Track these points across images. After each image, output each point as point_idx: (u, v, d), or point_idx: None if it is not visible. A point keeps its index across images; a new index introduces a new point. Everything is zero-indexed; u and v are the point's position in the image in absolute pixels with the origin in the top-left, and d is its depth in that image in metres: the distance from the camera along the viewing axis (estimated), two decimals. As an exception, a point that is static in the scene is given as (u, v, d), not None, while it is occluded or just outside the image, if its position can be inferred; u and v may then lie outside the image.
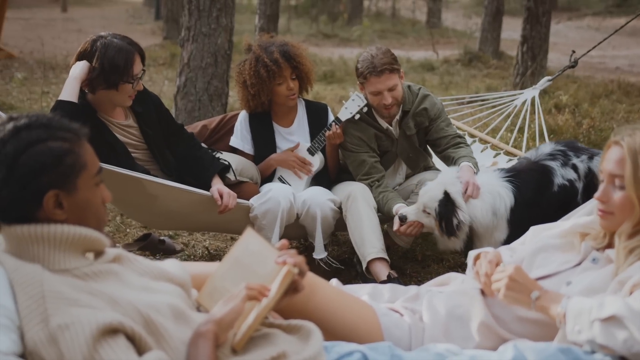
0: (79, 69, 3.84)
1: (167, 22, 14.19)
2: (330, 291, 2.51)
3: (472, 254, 2.67)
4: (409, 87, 4.41)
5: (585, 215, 2.83)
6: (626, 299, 2.12)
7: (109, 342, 1.77)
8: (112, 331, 1.79)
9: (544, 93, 9.48)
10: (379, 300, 2.67)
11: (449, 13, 23.41)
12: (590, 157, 3.97)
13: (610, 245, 2.42)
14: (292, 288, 2.14)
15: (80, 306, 1.81)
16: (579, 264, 2.47)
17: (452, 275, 2.83)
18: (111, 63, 3.81)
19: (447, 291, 2.66)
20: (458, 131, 4.64)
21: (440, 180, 3.92)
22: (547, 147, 4.09)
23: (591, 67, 13.17)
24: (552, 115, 8.35)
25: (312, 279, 2.44)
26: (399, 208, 4.13)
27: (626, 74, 12.30)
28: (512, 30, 16.33)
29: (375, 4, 24.46)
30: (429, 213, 3.85)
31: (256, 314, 2.07)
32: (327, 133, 4.35)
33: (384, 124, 4.38)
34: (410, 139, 4.46)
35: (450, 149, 4.41)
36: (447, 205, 3.79)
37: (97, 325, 1.76)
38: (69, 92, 3.79)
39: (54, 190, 1.91)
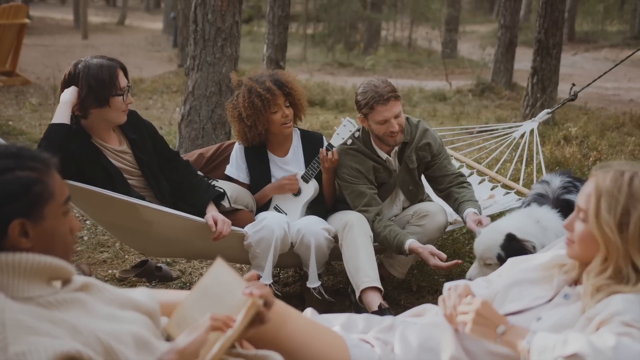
0: (69, 93, 3.91)
1: (182, 49, 14.32)
2: (302, 321, 2.52)
3: (447, 285, 2.67)
4: (407, 118, 4.43)
5: (562, 248, 2.83)
6: (590, 336, 2.11)
7: None
8: None
9: (553, 125, 9.50)
10: (353, 330, 2.67)
11: (466, 43, 23.45)
12: None
13: (580, 280, 2.42)
14: (258, 319, 2.15)
15: (40, 335, 1.83)
16: (551, 299, 2.46)
17: (427, 307, 2.83)
18: (96, 79, 3.89)
19: (420, 323, 2.66)
20: (457, 163, 4.66)
21: (491, 229, 3.83)
22: (556, 180, 4.05)
23: (605, 99, 13.15)
24: (560, 147, 8.33)
25: (283, 309, 2.45)
26: (412, 244, 4.14)
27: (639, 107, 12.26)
28: (527, 61, 16.25)
29: (392, 34, 24.58)
30: (489, 264, 3.73)
31: (220, 344, 2.08)
32: (321, 157, 4.37)
33: (384, 155, 4.40)
34: (412, 172, 4.48)
35: (453, 188, 4.45)
36: (510, 244, 3.65)
37: (55, 354, 1.77)
38: (61, 115, 3.86)
39: (20, 219, 1.93)
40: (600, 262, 2.33)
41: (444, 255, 4.05)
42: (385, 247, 4.38)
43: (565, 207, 3.83)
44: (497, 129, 6.00)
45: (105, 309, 2.06)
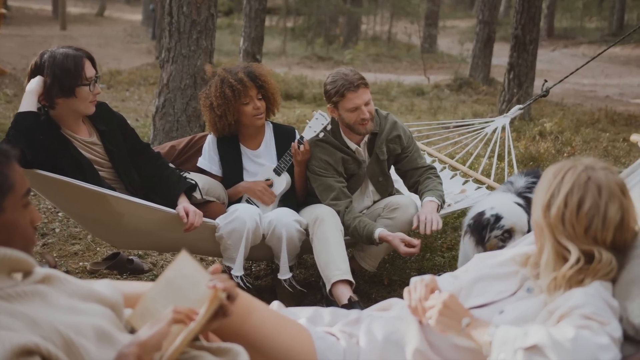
0: (34, 83, 3.88)
1: (160, 41, 14.24)
2: (267, 314, 2.52)
3: (414, 280, 2.68)
4: (376, 110, 4.44)
5: (528, 244, 2.86)
6: (550, 328, 2.13)
7: None
8: (27, 353, 1.79)
9: (529, 120, 9.55)
10: (319, 323, 2.68)
11: (445, 38, 23.52)
12: None
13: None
14: (221, 312, 2.15)
15: None
16: (515, 293, 2.49)
17: (394, 301, 2.84)
18: (61, 69, 3.85)
19: (386, 316, 2.67)
20: (429, 158, 4.68)
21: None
22: (521, 180, 4.08)
23: (581, 95, 13.23)
24: (535, 143, 8.38)
25: (249, 301, 2.45)
26: (382, 232, 4.15)
27: (615, 103, 12.36)
28: (505, 56, 16.34)
29: (372, 28, 24.60)
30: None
31: (183, 337, 2.07)
32: (292, 150, 4.38)
33: (353, 145, 4.41)
34: (382, 163, 4.50)
35: (420, 179, 4.51)
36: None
37: (12, 347, 1.76)
38: (27, 104, 3.84)
39: None
40: (538, 250, 2.42)
41: (417, 241, 4.06)
42: (357, 241, 4.40)
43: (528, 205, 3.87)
44: (472, 124, 6.02)
45: (67, 301, 2.04)
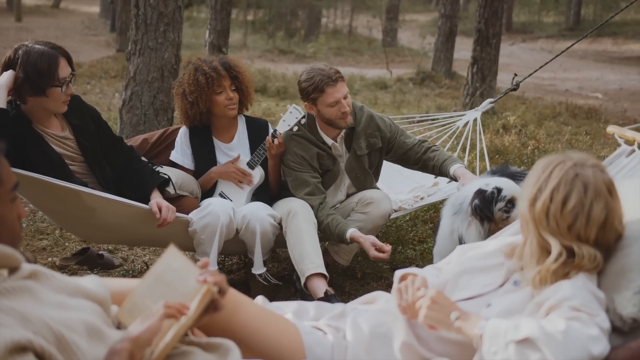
0: (5, 77, 3.79)
1: (121, 34, 14.08)
2: (254, 309, 2.51)
3: (398, 273, 2.68)
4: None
5: (512, 234, 2.88)
6: (541, 321, 2.15)
7: None
8: (20, 349, 1.75)
9: (492, 113, 9.64)
10: (304, 317, 2.67)
11: (406, 32, 23.63)
12: None
13: None
14: (212, 307, 2.13)
15: None
16: (501, 286, 2.50)
17: (378, 294, 2.84)
18: (34, 68, 3.77)
19: (371, 310, 2.67)
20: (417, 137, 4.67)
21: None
22: (486, 177, 4.11)
23: (541, 89, 13.40)
24: (499, 136, 8.46)
25: (235, 296, 2.43)
26: (354, 233, 4.15)
27: (575, 97, 12.54)
28: (465, 50, 16.53)
29: (333, 22, 24.61)
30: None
31: (174, 332, 2.05)
32: (267, 144, 4.36)
33: (329, 140, 4.39)
34: (360, 158, 4.48)
35: (424, 156, 4.48)
36: None
37: (5, 344, 1.73)
38: None
39: None
40: (522, 244, 2.43)
41: (388, 247, 4.06)
42: (328, 238, 4.39)
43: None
44: (440, 118, 6.05)
45: (55, 297, 2.01)
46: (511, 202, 3.70)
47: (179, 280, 2.17)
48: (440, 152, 4.47)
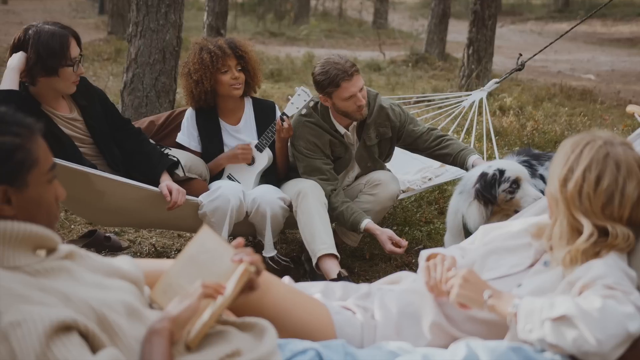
0: (16, 59, 3.77)
1: (112, 16, 13.98)
2: (284, 289, 2.51)
3: (424, 253, 2.68)
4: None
5: (535, 214, 2.88)
6: (576, 298, 2.15)
7: (62, 340, 1.73)
8: (65, 328, 1.75)
9: (489, 95, 9.62)
10: (331, 298, 2.67)
11: (396, 14, 23.57)
12: None
13: None
14: (248, 286, 2.13)
15: (33, 303, 1.77)
16: (531, 266, 2.50)
17: (403, 274, 2.84)
18: (46, 48, 3.75)
19: (398, 289, 2.67)
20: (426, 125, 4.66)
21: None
22: (512, 159, 4.11)
23: (534, 71, 13.39)
24: (496, 117, 8.48)
25: (265, 277, 2.42)
26: (369, 224, 4.14)
27: (568, 78, 12.55)
28: (457, 32, 16.52)
29: (322, 4, 24.50)
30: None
31: (211, 312, 2.05)
32: (276, 127, 4.34)
33: (342, 129, 4.37)
34: (370, 149, 4.46)
35: (436, 148, 4.45)
36: None
37: (51, 323, 1.72)
38: (9, 81, 3.74)
39: (2, 185, 1.86)
40: (552, 223, 2.42)
41: (405, 243, 4.06)
42: (340, 225, 4.39)
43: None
44: (448, 98, 6.04)
45: (92, 277, 2.00)
46: (516, 183, 3.71)
47: (213, 260, 2.17)
48: (455, 143, 4.44)
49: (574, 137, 2.44)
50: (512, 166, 3.77)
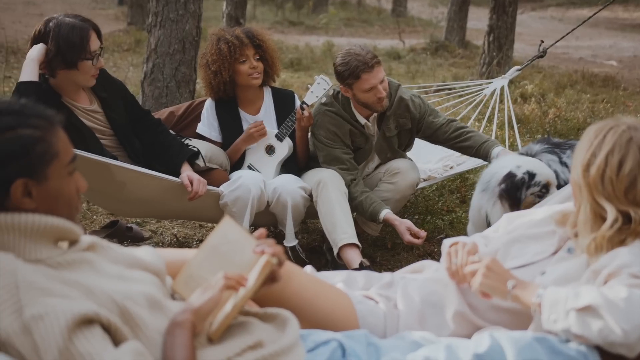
0: (36, 51, 3.78)
1: (132, 7, 13.99)
2: (306, 279, 2.49)
3: (447, 242, 2.66)
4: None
5: (559, 202, 2.85)
6: (601, 288, 2.12)
7: (84, 333, 1.73)
8: (87, 321, 1.75)
9: (510, 82, 9.55)
10: (354, 287, 2.66)
11: (415, 2, 23.43)
12: (573, 150, 3.94)
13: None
14: (270, 278, 2.12)
15: (55, 296, 1.77)
16: (555, 253, 2.47)
17: (426, 263, 2.82)
18: (66, 41, 3.75)
19: (421, 278, 2.65)
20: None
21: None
22: (535, 146, 4.06)
23: (555, 58, 13.28)
24: (518, 105, 8.41)
25: (287, 267, 2.41)
26: (388, 214, 4.12)
27: (589, 65, 12.43)
28: (477, 20, 16.41)
29: (341, -8, 24.42)
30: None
31: (234, 303, 2.04)
32: (297, 116, 4.32)
33: (362, 119, 4.34)
34: (389, 140, 4.44)
35: (457, 140, 4.39)
36: None
37: (73, 316, 1.72)
38: (29, 73, 3.74)
39: (22, 179, 1.86)
40: (576, 210, 2.39)
41: (423, 234, 4.04)
42: (359, 214, 4.36)
43: None
44: (469, 86, 5.99)
45: (114, 269, 2.00)
46: (546, 187, 3.62)
47: (235, 251, 2.16)
48: (476, 135, 4.38)
49: (597, 123, 2.41)
50: (543, 169, 3.67)
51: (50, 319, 1.71)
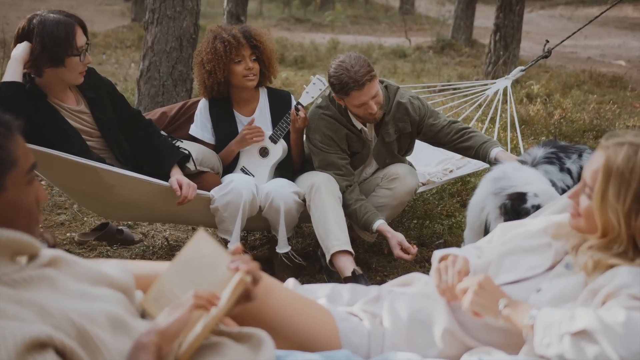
0: (20, 49, 3.65)
1: (136, 3, 13.93)
2: (286, 295, 2.36)
3: (437, 254, 2.53)
4: (385, 87, 4.23)
5: (555, 212, 2.71)
6: (598, 310, 1.99)
7: (35, 358, 1.60)
8: (39, 346, 1.62)
9: (515, 82, 9.40)
10: (338, 302, 2.53)
11: (422, 0, 23.30)
12: (580, 155, 3.81)
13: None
14: (244, 297, 1.99)
15: (6, 318, 1.64)
16: (551, 268, 2.33)
17: (416, 276, 2.68)
18: (51, 37, 3.63)
19: (409, 293, 2.51)
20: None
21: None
22: (539, 150, 3.90)
23: (563, 57, 13.14)
24: (523, 105, 8.27)
25: (266, 281, 2.28)
26: (382, 225, 4.01)
27: (597, 64, 12.28)
28: (484, 18, 16.28)
29: (349, -11, 24.31)
30: None
31: (204, 323, 1.91)
32: (291, 117, 4.20)
33: (359, 125, 4.21)
34: (388, 145, 4.30)
35: (458, 141, 4.27)
36: None
37: (23, 340, 1.59)
38: (12, 73, 3.60)
39: None
40: (600, 240, 2.20)
41: (414, 250, 3.92)
42: (352, 222, 4.23)
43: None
44: (469, 87, 5.86)
45: (77, 286, 1.87)
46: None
47: (208, 267, 2.03)
48: (477, 135, 4.25)
49: (615, 144, 2.16)
50: (548, 194, 3.50)
51: None
